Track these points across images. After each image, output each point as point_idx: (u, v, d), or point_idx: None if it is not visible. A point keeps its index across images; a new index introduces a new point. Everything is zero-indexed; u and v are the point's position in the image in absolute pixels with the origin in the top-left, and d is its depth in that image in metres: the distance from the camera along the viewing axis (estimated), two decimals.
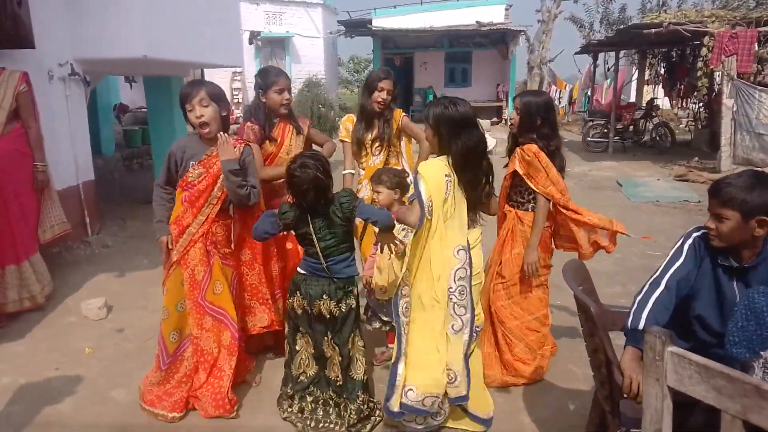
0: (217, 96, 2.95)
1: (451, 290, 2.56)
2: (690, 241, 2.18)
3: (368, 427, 2.82)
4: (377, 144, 3.65)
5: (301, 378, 2.90)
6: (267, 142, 3.39)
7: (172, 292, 2.95)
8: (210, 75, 17.32)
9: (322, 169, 2.67)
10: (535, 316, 3.19)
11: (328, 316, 2.77)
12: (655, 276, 2.19)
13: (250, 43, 17.29)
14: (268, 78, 3.38)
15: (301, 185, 2.64)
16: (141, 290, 4.70)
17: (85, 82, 5.94)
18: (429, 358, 2.58)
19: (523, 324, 3.17)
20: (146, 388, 3.04)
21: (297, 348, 2.90)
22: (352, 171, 3.75)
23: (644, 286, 2.20)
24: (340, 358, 2.81)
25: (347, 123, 3.76)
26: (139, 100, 13.42)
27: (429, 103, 2.70)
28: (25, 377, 3.39)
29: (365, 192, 3.61)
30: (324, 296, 2.75)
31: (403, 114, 3.73)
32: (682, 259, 2.16)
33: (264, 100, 3.37)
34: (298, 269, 2.89)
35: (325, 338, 2.82)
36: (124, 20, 5.51)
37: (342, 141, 3.78)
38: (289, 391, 2.92)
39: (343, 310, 2.78)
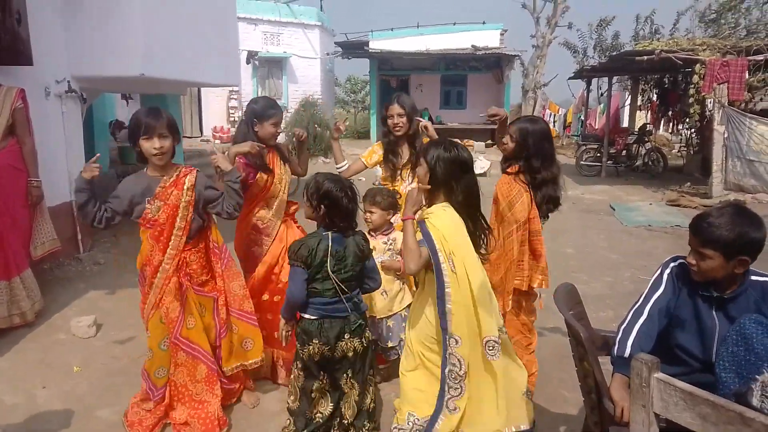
0: (173, 128, 2.89)
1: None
2: (668, 270, 2.23)
3: None
4: (408, 168, 3.64)
5: (317, 418, 2.73)
6: (260, 173, 3.36)
7: (155, 332, 2.93)
8: (207, 93, 17.49)
9: (344, 182, 2.71)
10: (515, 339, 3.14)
11: (351, 354, 2.67)
12: (637, 305, 2.24)
13: (248, 62, 17.44)
14: (265, 109, 3.37)
15: (344, 205, 2.64)
16: (131, 308, 4.66)
17: (82, 99, 5.97)
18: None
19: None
20: (131, 408, 3.02)
21: (309, 392, 2.72)
22: (345, 164, 3.82)
23: (628, 314, 2.25)
24: (358, 397, 2.72)
25: (376, 147, 3.78)
26: None
27: (429, 143, 2.64)
28: (11, 394, 3.35)
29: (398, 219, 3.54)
30: (345, 335, 2.64)
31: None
32: (662, 289, 2.21)
33: (256, 130, 3.38)
34: (305, 315, 2.69)
35: (345, 375, 2.72)
36: (122, 38, 5.56)
37: (362, 159, 3.80)
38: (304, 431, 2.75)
39: (365, 344, 2.71)
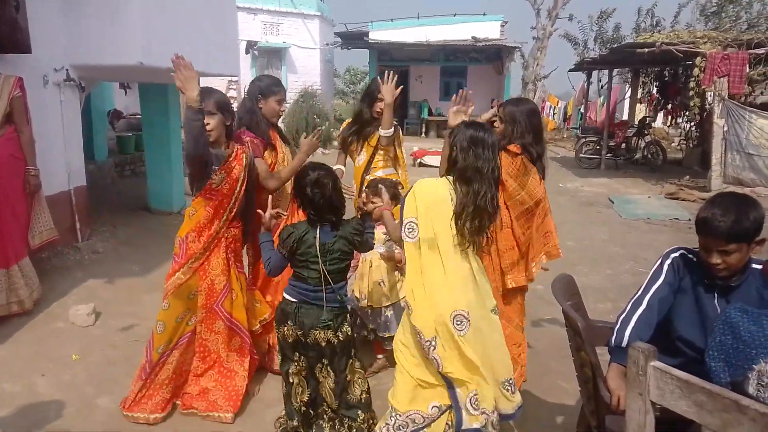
0: (223, 105, 3.05)
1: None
2: (669, 261, 2.24)
3: None
4: (363, 143, 3.70)
5: (303, 409, 2.75)
6: (266, 152, 3.38)
7: (175, 306, 2.96)
8: (206, 83, 17.36)
9: (329, 177, 2.67)
10: (515, 322, 3.15)
11: (324, 344, 2.66)
12: (637, 296, 2.25)
13: (247, 52, 17.37)
14: (270, 86, 3.40)
15: (321, 196, 2.61)
16: (130, 297, 4.68)
17: (80, 88, 5.94)
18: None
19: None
20: (130, 395, 3.04)
21: (291, 381, 2.76)
22: (342, 168, 3.84)
23: (627, 305, 2.26)
24: (334, 385, 2.72)
25: (344, 126, 3.87)
26: (134, 106, 13.41)
27: (460, 125, 2.55)
28: (10, 383, 3.36)
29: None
30: (320, 325, 2.63)
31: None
32: (662, 279, 2.22)
33: (260, 106, 3.38)
34: (286, 296, 2.72)
35: (319, 365, 2.72)
36: (121, 27, 5.53)
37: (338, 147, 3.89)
38: (295, 423, 2.77)
39: (341, 338, 2.67)
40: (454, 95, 3.07)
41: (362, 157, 3.74)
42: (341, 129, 3.89)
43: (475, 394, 2.39)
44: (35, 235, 4.52)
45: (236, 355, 3.12)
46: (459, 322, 2.36)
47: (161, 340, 2.98)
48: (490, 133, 2.49)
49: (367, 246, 2.82)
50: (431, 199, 2.44)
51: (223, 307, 3.04)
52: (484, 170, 2.41)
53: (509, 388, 2.47)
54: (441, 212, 2.42)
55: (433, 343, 2.40)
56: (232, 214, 3.04)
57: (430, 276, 2.42)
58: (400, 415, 2.50)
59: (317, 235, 2.62)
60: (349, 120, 3.89)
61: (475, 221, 2.39)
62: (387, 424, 2.51)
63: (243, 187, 3.03)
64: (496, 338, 2.51)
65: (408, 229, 2.46)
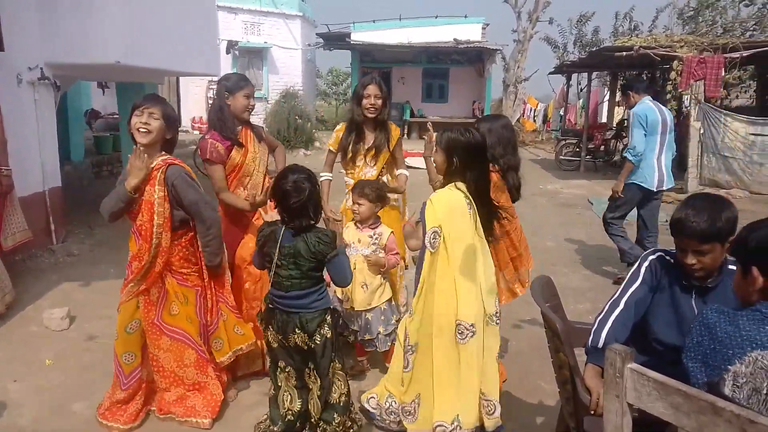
0: (169, 118, 2.88)
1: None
2: (646, 263, 2.27)
3: None
4: (372, 154, 3.59)
5: (288, 417, 2.73)
6: (233, 151, 3.33)
7: (123, 315, 2.90)
8: (186, 83, 17.24)
9: (309, 181, 2.59)
10: None
11: (305, 348, 2.66)
12: (614, 297, 2.27)
13: (228, 52, 17.22)
14: (237, 82, 3.35)
15: (290, 204, 2.54)
16: (106, 300, 4.59)
17: (55, 87, 5.84)
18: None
19: None
20: (105, 402, 2.98)
21: (279, 384, 2.77)
22: (330, 177, 3.75)
23: (604, 307, 2.28)
24: (320, 392, 2.72)
25: (339, 132, 3.71)
26: (111, 106, 13.23)
27: (445, 131, 2.65)
28: None
29: (349, 202, 3.58)
30: (297, 330, 2.62)
31: (400, 135, 3.74)
32: (639, 281, 2.24)
33: (229, 104, 3.33)
34: (267, 302, 2.74)
35: (307, 370, 2.73)
36: (97, 25, 5.44)
37: (329, 148, 3.75)
38: (276, 428, 2.74)
39: (318, 342, 2.64)
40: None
41: (373, 170, 3.60)
42: (336, 135, 3.70)
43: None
44: (8, 237, 4.43)
45: (194, 369, 2.97)
46: (461, 332, 2.56)
47: (120, 347, 2.91)
48: (474, 133, 2.63)
49: (338, 270, 2.66)
50: (450, 208, 2.58)
51: (163, 321, 2.90)
52: (484, 170, 2.63)
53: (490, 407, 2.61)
54: (460, 220, 2.57)
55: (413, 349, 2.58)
56: (163, 237, 2.82)
57: (445, 281, 2.58)
58: (395, 402, 2.58)
59: (280, 237, 2.60)
60: (343, 125, 3.73)
61: (488, 221, 2.66)
62: (380, 404, 2.64)
63: (165, 207, 2.81)
64: (493, 348, 2.65)
65: (432, 238, 2.57)
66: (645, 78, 14.99)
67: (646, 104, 5.13)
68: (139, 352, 2.94)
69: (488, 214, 2.66)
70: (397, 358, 2.79)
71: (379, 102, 3.53)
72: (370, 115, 3.54)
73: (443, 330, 2.58)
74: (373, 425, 2.91)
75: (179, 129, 3.00)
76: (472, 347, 2.57)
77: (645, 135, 5.02)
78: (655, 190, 5.13)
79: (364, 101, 3.52)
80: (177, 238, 2.91)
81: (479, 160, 2.62)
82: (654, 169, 5.10)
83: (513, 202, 3.28)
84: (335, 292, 3.42)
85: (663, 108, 5.27)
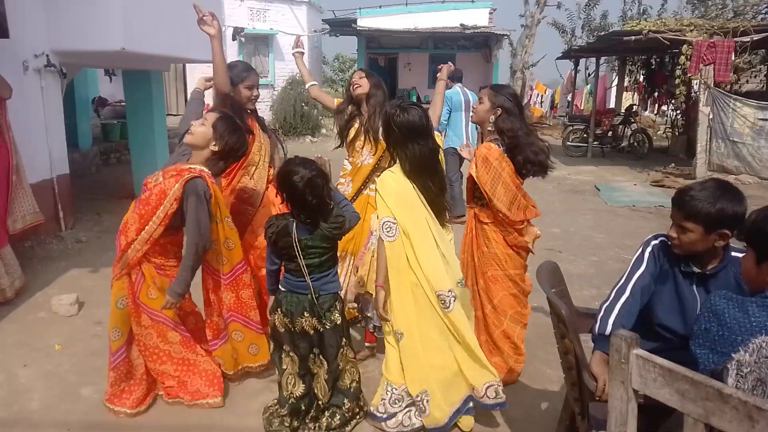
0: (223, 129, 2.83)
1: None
2: (649, 248, 2.25)
3: (347, 429, 2.78)
4: (369, 138, 3.56)
5: (292, 400, 2.76)
6: None
7: (115, 289, 2.89)
8: (192, 70, 17.17)
9: (321, 177, 2.56)
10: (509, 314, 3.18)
11: (312, 332, 2.68)
12: (620, 284, 2.25)
13: (233, 39, 17.12)
14: (239, 73, 3.34)
15: (297, 192, 2.51)
16: None
17: (62, 74, 5.84)
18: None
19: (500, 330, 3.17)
20: (108, 386, 3.00)
21: (283, 367, 2.79)
22: (315, 83, 4.00)
23: (610, 293, 2.26)
24: (327, 376, 2.73)
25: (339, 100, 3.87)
26: (119, 93, 13.20)
27: (394, 106, 2.65)
28: None
29: (347, 188, 3.61)
30: (305, 313, 2.65)
31: None
32: (643, 266, 2.22)
33: (232, 95, 3.32)
34: (280, 286, 2.76)
35: (311, 355, 2.74)
36: (103, 12, 5.42)
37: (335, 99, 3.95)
38: (283, 411, 2.77)
39: (327, 326, 2.67)
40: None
41: (368, 159, 3.59)
42: (336, 105, 3.84)
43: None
44: (17, 220, 4.45)
45: (180, 346, 2.96)
46: (443, 301, 2.64)
47: (110, 322, 2.92)
48: (414, 111, 2.60)
49: (350, 225, 2.70)
50: (398, 197, 2.61)
51: (142, 301, 2.86)
52: (422, 152, 2.61)
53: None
54: (410, 203, 2.60)
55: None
56: (157, 230, 2.76)
57: (412, 262, 2.64)
58: (395, 389, 2.59)
59: (294, 231, 2.59)
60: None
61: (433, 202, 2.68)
62: (383, 399, 2.68)
63: (175, 204, 2.73)
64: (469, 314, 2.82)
65: (386, 228, 2.57)
66: (654, 63, 14.83)
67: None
68: (126, 330, 2.93)
69: (427, 189, 2.65)
70: (387, 346, 2.78)
71: (363, 80, 3.57)
72: (356, 91, 3.58)
73: (427, 308, 2.64)
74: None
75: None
76: (458, 311, 2.66)
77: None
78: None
79: (351, 87, 3.64)
80: (168, 235, 2.84)
81: (412, 140, 2.57)
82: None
83: (523, 178, 3.12)
84: (349, 276, 3.44)
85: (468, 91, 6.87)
